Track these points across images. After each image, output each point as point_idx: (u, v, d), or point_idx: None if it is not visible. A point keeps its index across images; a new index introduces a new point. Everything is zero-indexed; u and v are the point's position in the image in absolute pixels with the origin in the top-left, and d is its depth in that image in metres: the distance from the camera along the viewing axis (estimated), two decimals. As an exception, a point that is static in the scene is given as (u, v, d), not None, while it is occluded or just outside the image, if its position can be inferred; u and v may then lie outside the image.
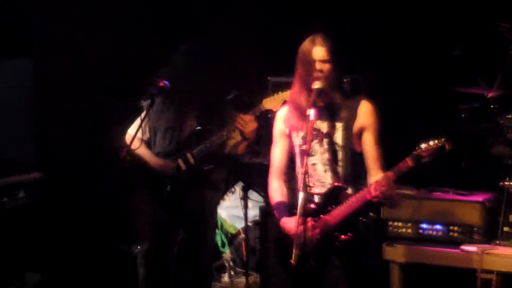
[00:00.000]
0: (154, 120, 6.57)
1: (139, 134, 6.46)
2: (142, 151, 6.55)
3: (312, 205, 5.37)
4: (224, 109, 6.59)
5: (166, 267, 6.75)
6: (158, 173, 6.51)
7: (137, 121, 6.60)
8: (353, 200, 5.32)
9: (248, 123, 6.29)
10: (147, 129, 6.61)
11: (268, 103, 6.25)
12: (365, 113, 5.43)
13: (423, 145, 5.18)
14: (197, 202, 6.54)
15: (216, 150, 6.48)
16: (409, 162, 5.17)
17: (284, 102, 5.97)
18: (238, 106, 6.65)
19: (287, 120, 5.57)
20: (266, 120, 6.93)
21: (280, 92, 6.18)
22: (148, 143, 6.68)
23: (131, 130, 6.64)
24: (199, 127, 6.51)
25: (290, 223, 5.42)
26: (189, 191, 6.53)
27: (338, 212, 5.37)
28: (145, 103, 6.49)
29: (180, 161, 6.46)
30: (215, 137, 6.42)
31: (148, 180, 6.60)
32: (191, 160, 6.44)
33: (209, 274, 6.90)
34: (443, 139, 5.16)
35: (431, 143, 5.16)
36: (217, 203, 6.88)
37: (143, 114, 6.48)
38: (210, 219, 6.67)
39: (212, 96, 6.61)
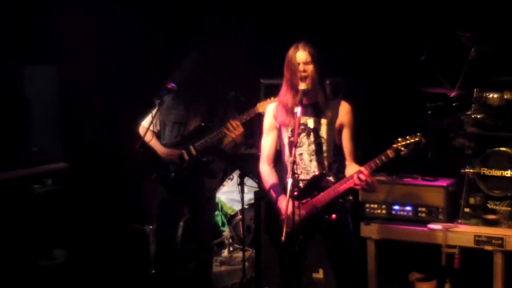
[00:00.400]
0: (164, 115, 6.61)
1: (151, 127, 6.50)
2: (153, 142, 6.59)
3: (300, 190, 5.34)
4: (225, 109, 6.58)
5: (172, 242, 6.75)
6: (165, 161, 6.51)
7: (149, 115, 6.61)
8: (337, 186, 5.35)
9: (235, 128, 6.30)
10: (158, 122, 6.62)
11: (261, 107, 6.26)
12: (344, 112, 5.48)
13: (401, 139, 5.21)
14: (197, 188, 6.57)
15: (215, 145, 6.48)
16: (390, 153, 5.21)
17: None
18: (235, 105, 6.65)
19: (277, 115, 5.57)
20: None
21: (272, 98, 6.18)
22: (158, 135, 6.69)
23: (144, 123, 6.67)
24: (202, 124, 6.51)
25: (283, 202, 5.41)
26: (190, 178, 6.53)
27: (323, 196, 5.40)
28: (157, 100, 6.52)
29: (184, 152, 6.47)
30: (215, 133, 6.44)
31: (157, 166, 6.60)
32: (194, 152, 6.46)
33: (210, 249, 6.86)
34: (419, 135, 5.20)
35: (408, 137, 5.19)
36: (215, 189, 6.89)
37: (154, 110, 6.50)
38: (208, 203, 6.69)
39: (216, 96, 6.61)
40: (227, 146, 6.55)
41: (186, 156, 6.48)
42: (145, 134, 6.38)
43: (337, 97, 5.72)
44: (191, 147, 6.48)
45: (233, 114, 6.53)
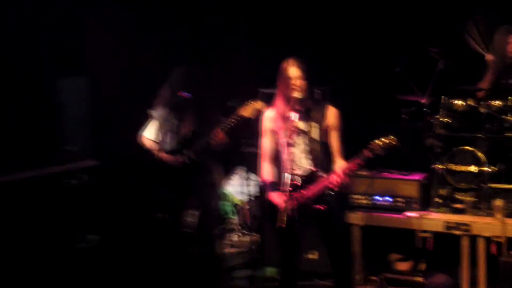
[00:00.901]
0: (162, 126, 6.44)
1: (154, 138, 6.38)
2: (157, 150, 6.52)
3: (296, 183, 5.35)
4: (211, 117, 6.44)
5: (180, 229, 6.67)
6: (171, 166, 6.40)
7: (149, 126, 6.51)
8: (325, 181, 5.28)
9: (218, 136, 6.19)
10: (158, 133, 6.48)
11: (242, 111, 6.16)
12: (331, 116, 5.47)
13: (376, 141, 5.18)
14: (201, 186, 6.47)
15: (206, 146, 6.36)
16: (366, 153, 5.16)
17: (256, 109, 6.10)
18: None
19: (274, 121, 5.54)
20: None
21: (250, 101, 6.11)
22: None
23: (146, 134, 6.54)
24: (194, 131, 6.38)
25: (276, 197, 5.45)
26: (193, 179, 6.42)
27: (314, 189, 5.37)
28: (153, 113, 6.40)
29: (184, 157, 6.35)
30: (205, 141, 6.31)
31: (162, 174, 6.53)
32: (193, 156, 6.34)
33: (216, 236, 6.81)
34: (391, 137, 5.17)
35: (383, 139, 5.16)
36: (217, 183, 6.76)
37: (153, 122, 6.39)
38: (211, 197, 6.58)
39: (204, 107, 6.48)
40: (215, 147, 6.39)
41: (187, 160, 6.38)
42: (153, 146, 6.26)
43: (325, 103, 5.64)
44: (191, 153, 6.37)
45: (219, 119, 6.39)
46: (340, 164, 5.38)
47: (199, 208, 7.34)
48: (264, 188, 5.78)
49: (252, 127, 7.34)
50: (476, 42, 7.18)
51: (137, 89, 8.28)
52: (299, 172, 5.44)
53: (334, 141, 5.45)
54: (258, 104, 6.13)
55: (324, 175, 5.40)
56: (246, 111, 6.15)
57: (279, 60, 5.53)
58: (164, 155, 6.44)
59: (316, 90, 6.78)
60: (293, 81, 5.32)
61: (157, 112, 6.46)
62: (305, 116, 5.44)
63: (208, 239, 7.96)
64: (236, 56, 8.78)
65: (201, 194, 6.60)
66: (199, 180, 6.47)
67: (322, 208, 5.36)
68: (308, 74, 5.41)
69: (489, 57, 6.98)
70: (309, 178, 5.40)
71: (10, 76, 7.40)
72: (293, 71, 5.33)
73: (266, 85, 7.21)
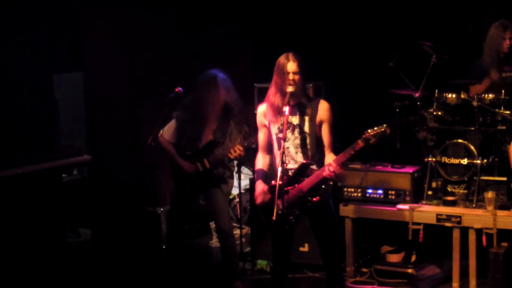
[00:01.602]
0: (180, 129, 6.45)
1: (169, 139, 6.40)
2: (173, 152, 6.44)
3: (290, 177, 5.34)
4: (232, 128, 6.42)
5: (182, 227, 6.65)
6: (183, 170, 6.41)
7: (169, 127, 6.50)
8: (318, 173, 5.32)
9: (238, 152, 6.20)
10: (175, 134, 6.47)
11: None
12: (323, 110, 5.43)
13: (369, 130, 5.19)
14: (214, 193, 6.43)
15: (223, 158, 6.34)
16: (360, 143, 5.19)
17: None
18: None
19: (266, 114, 5.53)
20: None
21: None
22: (175, 146, 6.52)
23: (165, 134, 6.50)
24: (214, 140, 6.41)
25: (258, 187, 5.51)
26: (205, 187, 6.42)
27: (307, 182, 5.37)
28: (175, 113, 6.43)
29: (198, 164, 6.35)
30: (224, 151, 6.28)
31: (175, 176, 6.50)
32: (207, 165, 6.35)
33: (232, 236, 6.58)
34: (385, 125, 5.19)
35: (376, 128, 5.17)
36: (229, 192, 6.64)
37: (172, 122, 6.41)
38: (221, 197, 6.46)
39: (225, 115, 6.42)
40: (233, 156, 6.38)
41: (200, 168, 6.37)
42: (158, 137, 6.16)
43: (317, 97, 5.67)
44: (205, 161, 6.34)
45: (239, 128, 6.39)
46: (331, 157, 5.37)
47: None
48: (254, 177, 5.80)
49: (248, 122, 7.42)
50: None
51: (132, 85, 8.32)
52: (291, 165, 5.44)
53: (326, 134, 5.43)
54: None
55: (316, 168, 5.42)
56: None
57: (274, 56, 5.55)
58: (179, 159, 6.43)
59: (311, 85, 6.91)
60: (289, 76, 5.32)
61: (178, 114, 6.44)
62: (298, 110, 5.44)
63: (199, 233, 8.06)
64: (233, 51, 8.84)
65: (210, 195, 6.52)
66: (209, 190, 6.47)
67: (315, 200, 5.37)
68: (305, 71, 5.40)
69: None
70: (301, 171, 5.40)
71: (6, 72, 7.45)
72: (291, 66, 5.31)
73: (262, 80, 7.29)
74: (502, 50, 6.88)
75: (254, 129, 5.85)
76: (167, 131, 6.50)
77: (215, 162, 6.34)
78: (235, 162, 6.75)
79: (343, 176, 5.52)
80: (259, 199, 5.49)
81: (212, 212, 6.55)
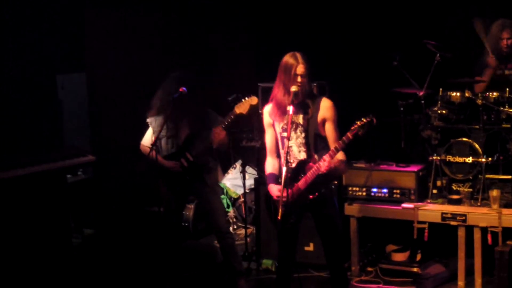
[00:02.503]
0: (157, 132, 6.46)
1: (148, 144, 6.42)
2: (156, 157, 6.46)
3: (289, 175, 5.34)
4: (208, 116, 6.43)
5: (179, 226, 6.66)
6: (170, 171, 6.42)
7: (146, 134, 6.55)
8: (314, 170, 5.34)
9: (219, 133, 6.24)
10: (154, 139, 6.48)
11: (238, 108, 6.20)
12: (325, 108, 5.44)
13: (357, 121, 5.21)
14: (200, 186, 6.44)
15: (206, 147, 6.34)
16: (349, 135, 5.22)
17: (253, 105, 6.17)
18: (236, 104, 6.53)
19: (271, 114, 5.55)
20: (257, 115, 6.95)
21: (246, 98, 6.17)
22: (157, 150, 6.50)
23: (144, 142, 6.55)
24: (191, 132, 6.43)
25: (273, 189, 5.49)
26: (192, 181, 6.44)
27: (305, 179, 5.40)
28: (148, 121, 6.47)
29: (182, 160, 6.37)
30: (203, 140, 6.30)
31: (164, 178, 6.52)
32: (191, 158, 6.37)
33: (228, 233, 6.61)
34: (370, 115, 5.21)
35: (363, 119, 5.21)
36: (215, 182, 6.73)
37: (149, 130, 6.44)
38: (214, 195, 6.53)
39: (198, 108, 6.43)
40: (218, 146, 6.41)
41: (185, 164, 6.38)
42: (149, 152, 6.13)
43: (320, 95, 5.68)
44: (188, 154, 6.36)
45: (216, 118, 6.41)
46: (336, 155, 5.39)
47: (194, 202, 7.43)
48: (261, 180, 5.82)
49: (252, 122, 7.46)
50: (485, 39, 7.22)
51: (135, 86, 8.36)
52: (295, 164, 5.46)
53: (330, 132, 5.44)
54: (253, 100, 6.19)
55: (313, 164, 5.43)
56: (242, 107, 6.18)
57: (277, 55, 5.57)
58: (162, 161, 6.44)
59: (315, 84, 6.92)
60: (298, 78, 5.34)
61: (152, 120, 6.48)
62: (302, 109, 5.45)
63: (203, 233, 8.08)
64: (235, 51, 8.87)
65: (200, 197, 6.60)
66: (199, 181, 6.47)
67: (312, 197, 5.39)
68: (311, 71, 5.42)
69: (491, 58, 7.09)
70: (298, 169, 5.44)
71: (9, 73, 7.47)
72: (300, 68, 5.33)
73: (265, 80, 7.32)
74: (501, 49, 6.94)
75: (259, 130, 5.87)
76: (146, 139, 6.55)
77: (198, 153, 6.36)
78: (240, 163, 6.78)
79: (340, 169, 5.49)
80: (281, 197, 5.33)
81: (207, 212, 6.59)
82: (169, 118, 6.31)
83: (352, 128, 5.21)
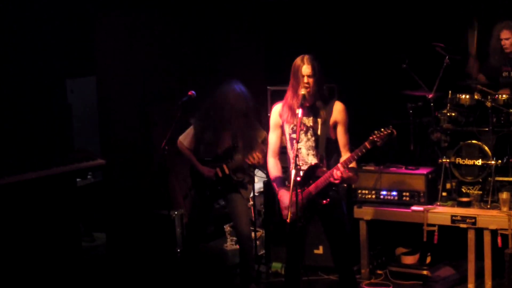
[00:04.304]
0: (199, 135, 6.49)
1: (187, 145, 6.45)
2: (192, 158, 6.49)
3: (298, 179, 5.31)
4: (250, 134, 6.44)
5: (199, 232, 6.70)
6: (203, 176, 6.46)
7: (187, 133, 6.57)
8: (327, 175, 5.36)
9: (256, 159, 6.23)
10: (192, 141, 6.53)
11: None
12: (337, 111, 5.47)
13: (376, 132, 5.22)
14: (234, 198, 6.47)
15: (243, 163, 6.38)
16: (367, 145, 5.22)
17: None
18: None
19: (281, 114, 5.57)
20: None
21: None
22: (193, 151, 6.57)
23: (182, 139, 6.58)
24: (232, 145, 6.43)
25: (285, 195, 5.46)
26: (225, 192, 6.48)
27: (317, 184, 5.41)
28: (193, 120, 6.49)
29: (218, 170, 6.40)
30: (242, 157, 6.32)
31: (195, 182, 6.56)
32: (227, 171, 6.40)
33: (249, 239, 6.65)
34: (391, 127, 5.21)
35: (382, 130, 5.20)
36: (248, 197, 6.73)
37: (190, 129, 6.46)
38: (241, 201, 6.52)
39: (243, 122, 6.44)
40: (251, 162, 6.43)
41: (220, 174, 6.42)
42: (185, 152, 6.30)
43: (333, 99, 5.67)
44: (225, 166, 6.39)
45: (256, 133, 6.43)
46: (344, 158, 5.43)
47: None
48: (270, 183, 5.84)
49: (261, 125, 7.45)
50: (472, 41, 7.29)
51: (145, 89, 8.39)
52: (304, 167, 5.48)
53: (341, 136, 5.48)
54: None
55: (325, 169, 5.46)
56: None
57: (286, 58, 5.60)
58: (198, 165, 6.48)
59: (325, 87, 6.93)
60: (304, 79, 5.37)
61: (197, 121, 6.51)
62: (312, 112, 5.48)
63: (213, 236, 8.09)
64: (245, 54, 8.90)
65: (230, 201, 6.55)
66: (229, 196, 6.53)
67: (325, 202, 5.42)
68: (320, 73, 5.44)
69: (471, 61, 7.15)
70: (309, 173, 5.45)
71: (19, 76, 7.51)
72: (306, 69, 5.36)
73: (275, 83, 7.35)
74: (504, 50, 6.97)
75: (266, 130, 5.90)
76: (186, 138, 6.56)
77: (235, 168, 6.40)
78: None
79: (352, 179, 5.53)
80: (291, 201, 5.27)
81: (232, 216, 6.59)
82: (217, 126, 6.38)
83: (371, 138, 5.21)
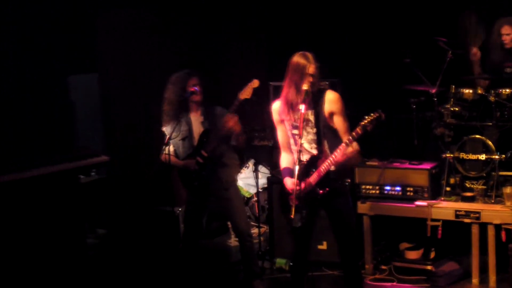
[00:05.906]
0: (173, 139, 6.49)
1: (168, 151, 6.41)
2: (175, 161, 6.49)
3: (302, 172, 5.35)
4: (216, 112, 6.45)
5: (198, 227, 6.66)
6: (187, 170, 6.43)
7: (164, 144, 6.52)
8: (324, 165, 5.36)
9: (231, 118, 6.25)
10: (171, 146, 6.51)
11: (242, 94, 6.21)
12: (330, 101, 5.45)
13: (366, 117, 5.21)
14: (217, 182, 6.44)
15: (219, 138, 6.33)
16: (358, 130, 5.22)
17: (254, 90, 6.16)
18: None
19: (280, 112, 5.56)
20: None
21: (248, 84, 6.18)
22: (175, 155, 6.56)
23: (165, 151, 6.56)
24: (204, 129, 6.43)
25: (288, 182, 5.50)
26: (210, 177, 6.43)
27: (317, 173, 5.41)
28: (164, 130, 6.48)
29: (198, 158, 6.39)
30: (216, 132, 6.31)
31: (182, 178, 6.55)
32: (205, 154, 6.38)
33: (249, 235, 6.57)
34: (379, 111, 5.21)
35: (371, 114, 5.20)
36: (233, 179, 6.64)
37: (166, 138, 6.45)
38: (232, 192, 6.52)
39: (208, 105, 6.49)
40: (235, 142, 6.43)
41: (200, 160, 6.39)
42: (164, 156, 6.31)
43: (325, 89, 5.63)
44: (202, 151, 6.37)
45: (223, 111, 6.39)
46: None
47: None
48: (274, 179, 5.84)
49: (264, 120, 7.46)
50: (465, 34, 7.26)
51: (148, 86, 8.37)
52: (307, 158, 5.48)
53: (339, 124, 5.45)
54: (254, 84, 6.19)
55: (323, 158, 5.44)
56: (245, 93, 6.19)
57: (288, 54, 5.57)
58: (177, 161, 6.46)
59: (327, 82, 6.92)
60: (310, 78, 5.37)
61: (166, 128, 6.50)
62: (309, 105, 5.45)
63: (217, 232, 8.09)
64: (246, 50, 8.88)
65: (220, 195, 6.53)
66: (213, 181, 6.48)
67: (321, 192, 5.40)
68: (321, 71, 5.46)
69: (474, 50, 7.10)
70: (310, 164, 5.45)
71: (22, 75, 7.51)
72: (312, 68, 5.37)
73: (276, 79, 7.32)
74: (504, 46, 6.95)
75: (271, 129, 5.88)
76: (165, 148, 6.49)
77: (212, 148, 6.37)
78: (252, 162, 6.77)
79: (354, 158, 5.48)
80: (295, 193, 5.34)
81: (228, 214, 6.58)
82: (181, 122, 6.36)
83: (361, 123, 5.22)
